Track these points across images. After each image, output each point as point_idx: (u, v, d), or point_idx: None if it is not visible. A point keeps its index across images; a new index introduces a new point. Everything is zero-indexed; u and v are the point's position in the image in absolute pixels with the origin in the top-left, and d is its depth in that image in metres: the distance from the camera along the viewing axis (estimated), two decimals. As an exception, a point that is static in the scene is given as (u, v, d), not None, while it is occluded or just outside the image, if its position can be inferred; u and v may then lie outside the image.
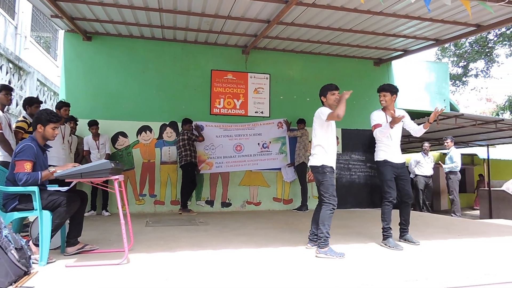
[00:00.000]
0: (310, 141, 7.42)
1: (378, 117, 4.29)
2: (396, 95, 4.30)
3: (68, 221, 3.48)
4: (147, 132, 7.22)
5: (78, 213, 3.45)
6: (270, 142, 7.82)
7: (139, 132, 7.19)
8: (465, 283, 2.83)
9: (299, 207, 7.41)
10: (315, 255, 3.54)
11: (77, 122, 6.41)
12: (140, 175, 7.13)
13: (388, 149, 4.22)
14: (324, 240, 3.53)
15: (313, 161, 3.81)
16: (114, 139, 7.03)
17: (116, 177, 3.23)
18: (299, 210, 7.34)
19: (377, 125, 4.21)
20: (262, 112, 7.84)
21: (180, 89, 7.41)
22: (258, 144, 7.76)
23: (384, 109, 4.35)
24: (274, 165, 7.81)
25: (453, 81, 13.78)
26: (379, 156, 4.28)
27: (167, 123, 7.31)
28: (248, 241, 4.25)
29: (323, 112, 3.79)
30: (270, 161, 7.82)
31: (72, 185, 3.38)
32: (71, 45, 7.07)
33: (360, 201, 8.18)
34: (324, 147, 3.75)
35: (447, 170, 8.48)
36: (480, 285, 2.89)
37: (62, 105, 5.77)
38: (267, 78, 7.90)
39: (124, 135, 7.12)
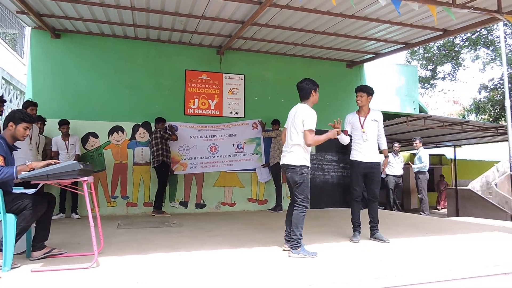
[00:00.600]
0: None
1: (349, 122, 4.53)
2: (372, 96, 4.49)
3: (34, 225, 3.36)
4: (119, 132, 7.07)
5: (45, 216, 3.33)
6: (245, 142, 7.82)
7: (111, 132, 7.03)
8: (431, 278, 2.93)
9: (274, 207, 7.45)
10: (288, 255, 3.57)
11: (45, 122, 6.20)
12: (111, 176, 6.96)
13: (360, 149, 4.38)
14: (297, 241, 3.56)
15: (291, 160, 3.70)
16: (84, 140, 6.84)
17: (85, 178, 3.15)
18: (273, 211, 7.38)
19: (345, 132, 4.41)
20: (237, 113, 7.83)
21: (154, 89, 7.30)
22: (233, 144, 7.74)
23: (359, 110, 4.48)
24: (249, 165, 7.82)
25: (422, 83, 14.24)
26: (352, 155, 4.49)
27: (140, 123, 7.18)
28: (222, 242, 4.23)
29: (309, 122, 3.68)
30: (245, 161, 7.82)
31: (39, 187, 3.26)
32: (38, 43, 6.82)
33: (333, 200, 8.30)
34: (303, 147, 3.73)
35: (416, 170, 8.75)
36: (445, 281, 3.00)
37: (29, 104, 5.56)
38: (241, 79, 7.90)
39: (94, 135, 6.94)
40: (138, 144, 7.15)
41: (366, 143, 4.35)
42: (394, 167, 9.09)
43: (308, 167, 3.71)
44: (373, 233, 4.40)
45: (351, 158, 4.48)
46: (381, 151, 4.64)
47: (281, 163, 3.88)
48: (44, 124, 6.17)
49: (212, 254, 3.61)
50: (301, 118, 3.73)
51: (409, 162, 9.16)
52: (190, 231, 4.98)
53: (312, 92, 3.94)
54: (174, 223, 5.76)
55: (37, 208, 3.14)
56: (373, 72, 9.10)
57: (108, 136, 7.02)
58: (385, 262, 3.33)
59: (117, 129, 7.06)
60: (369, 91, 4.46)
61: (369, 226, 4.45)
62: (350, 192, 4.53)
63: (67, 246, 3.81)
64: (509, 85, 12.63)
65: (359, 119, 4.45)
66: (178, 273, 2.94)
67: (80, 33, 6.94)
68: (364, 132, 4.35)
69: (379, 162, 4.53)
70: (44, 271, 2.96)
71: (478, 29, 12.42)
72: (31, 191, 3.33)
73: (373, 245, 4.10)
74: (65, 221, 5.99)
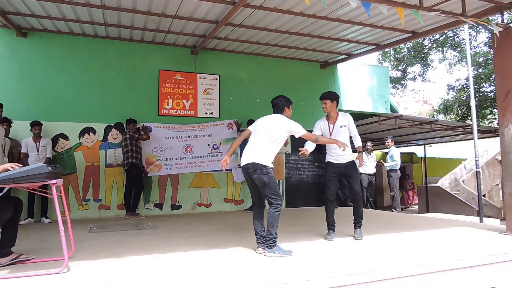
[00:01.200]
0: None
1: (318, 128, 4.64)
2: (337, 101, 4.57)
3: (0, 230, 3.22)
4: (91, 134, 6.89)
5: (12, 221, 3.20)
6: (220, 143, 7.79)
7: (82, 134, 6.84)
8: (402, 273, 3.02)
9: (250, 207, 7.45)
10: (264, 254, 3.58)
11: (11, 124, 5.96)
12: (83, 179, 6.78)
13: (333, 154, 4.52)
14: (273, 240, 3.58)
15: (261, 160, 3.69)
16: (54, 142, 6.60)
17: (54, 181, 3.04)
18: (250, 210, 7.38)
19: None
20: (212, 113, 7.79)
21: (126, 89, 7.16)
22: (209, 145, 7.70)
23: (328, 116, 4.61)
24: (225, 166, 7.78)
25: (393, 84, 14.64)
26: (327, 158, 4.65)
27: (112, 124, 7.02)
28: (197, 243, 4.20)
29: (297, 128, 3.82)
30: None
31: (4, 191, 3.13)
32: (3, 42, 6.55)
33: (308, 199, 8.40)
34: (273, 151, 3.79)
35: (388, 168, 8.97)
36: (416, 275, 3.10)
37: (-7, 105, 5.33)
38: (216, 79, 7.87)
39: (64, 137, 6.73)
40: (111, 146, 6.99)
41: (337, 149, 4.36)
42: (367, 165, 9.28)
43: (272, 168, 3.76)
44: (354, 230, 4.52)
45: (326, 160, 4.63)
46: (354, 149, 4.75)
47: (246, 163, 3.78)
48: (10, 126, 5.94)
49: (187, 255, 3.58)
50: (286, 128, 3.84)
51: (381, 160, 9.39)
52: (165, 233, 4.91)
53: (285, 108, 4.05)
54: (148, 225, 5.67)
55: (3, 213, 3.02)
56: (346, 73, 9.26)
57: (79, 137, 6.83)
58: (359, 258, 3.40)
59: (88, 130, 6.88)
60: (332, 97, 4.54)
61: (353, 223, 4.58)
62: (324, 191, 4.64)
63: (36, 252, 3.68)
64: (475, 86, 13.19)
65: (329, 126, 4.55)
66: (152, 275, 2.90)
67: (48, 32, 6.71)
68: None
69: (353, 161, 4.62)
70: (11, 277, 2.85)
71: (445, 31, 12.89)
72: (-4, 195, 3.20)
73: (347, 242, 4.18)
74: (34, 226, 5.78)
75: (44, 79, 6.67)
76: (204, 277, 2.84)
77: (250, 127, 4.10)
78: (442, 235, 4.69)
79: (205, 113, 7.72)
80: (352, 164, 4.55)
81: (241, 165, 3.91)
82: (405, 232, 4.83)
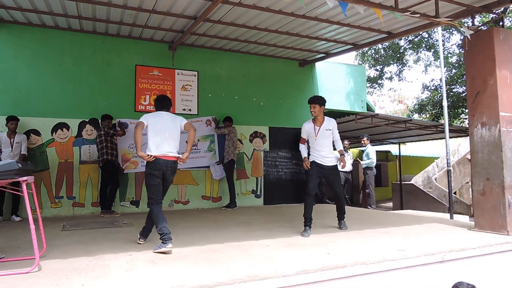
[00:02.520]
0: (240, 140, 7.55)
1: (305, 131, 4.85)
2: (324, 106, 4.82)
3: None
4: (64, 129, 6.70)
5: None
6: (198, 140, 7.73)
7: (55, 129, 6.64)
8: (376, 269, 3.10)
9: (228, 204, 7.45)
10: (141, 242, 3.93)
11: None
12: (56, 176, 6.59)
13: (317, 155, 4.77)
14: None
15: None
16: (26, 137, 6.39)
17: (24, 178, 2.95)
18: (228, 208, 7.38)
19: (302, 140, 4.87)
20: (190, 110, 7.72)
21: (101, 84, 6.99)
22: (186, 142, 7.59)
23: (314, 119, 4.81)
24: (203, 163, 7.75)
25: (370, 83, 14.93)
26: (310, 158, 4.85)
27: (87, 120, 6.86)
28: (174, 240, 4.13)
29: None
30: (199, 159, 7.74)
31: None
32: (-29, 32, 6.29)
33: (286, 196, 8.47)
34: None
35: (364, 166, 9.14)
36: (389, 270, 3.19)
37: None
38: (195, 75, 7.80)
39: (36, 133, 6.52)
40: (85, 142, 6.82)
41: (317, 150, 4.74)
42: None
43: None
44: (340, 222, 4.95)
45: (311, 159, 4.79)
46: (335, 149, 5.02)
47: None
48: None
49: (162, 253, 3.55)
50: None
51: (358, 158, 9.55)
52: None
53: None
54: (124, 222, 5.58)
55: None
56: (324, 72, 9.36)
57: (52, 133, 6.63)
58: (334, 254, 3.45)
59: (61, 126, 6.69)
60: (320, 102, 4.76)
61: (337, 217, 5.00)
62: (306, 187, 4.80)
63: (5, 251, 3.57)
64: (448, 87, 13.61)
65: (314, 128, 4.77)
66: (127, 274, 2.86)
67: (18, 24, 6.46)
68: (316, 142, 4.75)
69: (336, 165, 4.87)
70: (-23, 278, 2.75)
71: (420, 33, 13.23)
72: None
73: (323, 239, 4.24)
74: (3, 225, 5.58)
75: (14, 73, 6.43)
76: (179, 275, 2.82)
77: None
78: (414, 231, 4.82)
79: (183, 110, 7.64)
80: (335, 168, 4.83)
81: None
82: (379, 229, 4.94)
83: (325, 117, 4.83)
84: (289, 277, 2.73)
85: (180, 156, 4.06)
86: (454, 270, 3.53)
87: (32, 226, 2.95)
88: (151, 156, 3.88)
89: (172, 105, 4.48)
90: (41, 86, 6.57)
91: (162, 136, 3.97)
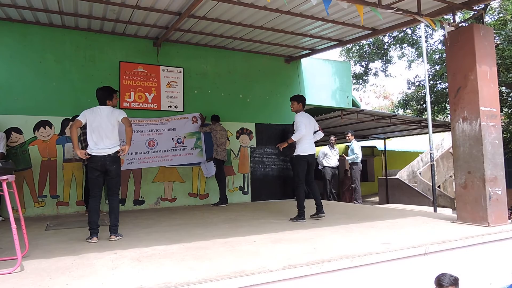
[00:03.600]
0: (223, 136, 7.52)
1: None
2: (303, 103, 5.44)
3: None
4: (46, 127, 6.58)
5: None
6: (185, 137, 7.69)
7: (37, 127, 6.51)
8: (361, 262, 3.14)
9: (218, 201, 7.39)
10: (112, 239, 4.06)
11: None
12: (38, 174, 6.47)
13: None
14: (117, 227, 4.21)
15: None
16: (6, 136, 6.24)
17: (5, 177, 2.89)
18: (217, 205, 7.34)
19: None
20: (175, 107, 7.66)
21: (84, 81, 6.87)
22: (173, 139, 7.58)
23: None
24: (190, 160, 7.71)
25: (356, 79, 15.06)
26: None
27: (70, 117, 6.73)
28: (160, 238, 4.15)
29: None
30: (185, 156, 7.69)
31: None
32: None
33: (273, 193, 8.49)
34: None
35: (350, 161, 9.22)
36: (375, 263, 3.24)
37: None
38: (180, 72, 7.74)
39: (18, 131, 6.38)
40: (68, 140, 6.70)
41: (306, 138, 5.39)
42: (331, 158, 9.51)
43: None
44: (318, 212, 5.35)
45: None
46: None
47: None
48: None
49: (149, 250, 3.52)
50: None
51: (343, 154, 9.64)
52: (127, 229, 4.80)
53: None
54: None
55: None
56: (310, 68, 9.39)
57: (34, 131, 6.50)
58: (320, 249, 3.48)
59: (44, 123, 6.56)
60: (298, 99, 5.46)
61: (315, 206, 5.37)
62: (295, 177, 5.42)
63: (-15, 252, 3.50)
64: (432, 83, 13.82)
65: None
66: (112, 272, 2.83)
67: (-3, 19, 6.31)
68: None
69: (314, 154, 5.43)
70: (-43, 280, 2.69)
71: (404, 29, 13.38)
72: None
73: (309, 234, 4.27)
74: (-16, 225, 5.46)
75: (-7, 70, 6.28)
76: (166, 271, 2.81)
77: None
78: (399, 224, 4.90)
79: (168, 107, 7.58)
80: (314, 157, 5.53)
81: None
82: (364, 223, 5.01)
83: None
84: (275, 272, 2.75)
85: (119, 148, 4.26)
86: (437, 262, 3.61)
87: (13, 225, 2.90)
88: (87, 154, 4.13)
89: (113, 94, 4.56)
90: (22, 83, 6.43)
91: (98, 134, 4.17)
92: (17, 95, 6.39)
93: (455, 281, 3.07)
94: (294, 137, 5.26)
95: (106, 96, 4.38)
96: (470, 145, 4.77)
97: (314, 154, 5.43)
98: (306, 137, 5.29)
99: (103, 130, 4.18)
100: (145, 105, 7.36)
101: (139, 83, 7.34)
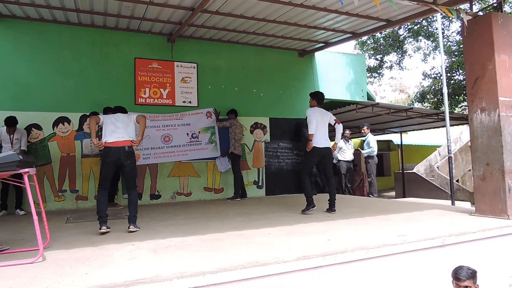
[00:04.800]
0: (241, 132, 7.57)
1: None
2: (317, 99, 5.48)
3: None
4: (65, 123, 6.73)
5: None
6: (199, 132, 7.75)
7: (56, 124, 6.67)
8: (376, 254, 3.13)
9: (236, 195, 7.42)
10: (131, 229, 4.17)
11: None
12: (58, 170, 6.64)
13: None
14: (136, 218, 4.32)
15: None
16: (26, 132, 6.41)
17: (26, 170, 2.98)
18: (232, 199, 7.38)
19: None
20: (190, 102, 7.73)
21: (101, 78, 7.00)
22: (187, 134, 7.65)
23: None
24: (204, 155, 7.78)
25: (370, 73, 14.87)
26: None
27: (88, 113, 6.88)
28: (176, 230, 4.21)
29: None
30: (200, 151, 7.77)
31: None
32: (-31, 28, 6.29)
33: (288, 186, 8.50)
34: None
35: (365, 155, 9.14)
36: (390, 255, 3.22)
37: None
38: (194, 67, 7.79)
39: (38, 127, 6.56)
40: (86, 136, 6.85)
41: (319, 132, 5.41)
42: (346, 152, 9.43)
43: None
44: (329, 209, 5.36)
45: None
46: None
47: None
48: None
49: (165, 242, 3.59)
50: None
51: (359, 148, 9.55)
52: (144, 222, 4.88)
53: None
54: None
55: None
56: (323, 62, 9.32)
57: (53, 127, 6.67)
58: (334, 241, 3.48)
59: (62, 120, 6.72)
60: (313, 96, 5.56)
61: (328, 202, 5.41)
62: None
63: (10, 243, 3.62)
64: (449, 75, 13.53)
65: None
66: (130, 262, 2.90)
67: (16, 18, 6.46)
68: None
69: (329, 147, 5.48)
70: (-17, 269, 2.79)
71: (420, 20, 13.12)
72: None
73: (324, 227, 4.26)
74: (8, 218, 5.65)
75: (13, 68, 6.44)
76: (182, 262, 2.86)
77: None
78: (415, 217, 4.84)
79: (183, 102, 7.65)
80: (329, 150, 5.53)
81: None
82: (380, 216, 4.96)
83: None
84: (289, 263, 2.76)
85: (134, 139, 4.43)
86: (455, 254, 3.55)
87: (35, 217, 2.99)
88: (103, 145, 4.30)
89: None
90: (41, 80, 6.59)
91: (114, 126, 4.36)
92: (36, 92, 6.55)
93: (472, 274, 3.02)
94: (310, 131, 5.24)
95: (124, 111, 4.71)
96: (489, 136, 4.67)
97: (329, 148, 5.40)
98: (319, 130, 5.28)
99: (119, 122, 4.40)
100: (160, 101, 7.45)
101: (154, 79, 7.43)
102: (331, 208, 5.33)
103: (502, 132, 4.54)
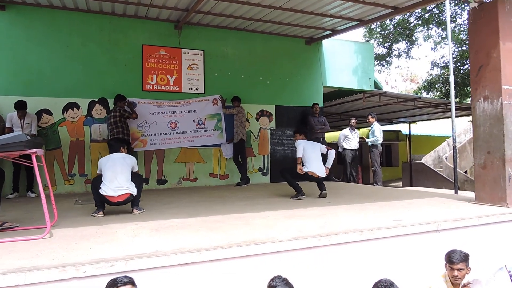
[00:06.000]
0: (247, 119, 7.66)
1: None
2: (303, 133, 5.93)
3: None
4: (74, 109, 6.89)
5: (-5, 190, 3.29)
6: (205, 118, 7.86)
7: (65, 109, 6.84)
8: (371, 236, 3.21)
9: (243, 181, 7.55)
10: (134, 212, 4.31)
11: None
12: (68, 154, 6.82)
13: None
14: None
15: None
16: (37, 117, 6.57)
17: (34, 150, 3.12)
18: (243, 184, 7.50)
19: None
20: (196, 89, 7.82)
21: (109, 64, 7.12)
22: (194, 121, 7.76)
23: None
24: (210, 141, 7.89)
25: (378, 61, 14.73)
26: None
27: (96, 99, 7.03)
28: (179, 212, 4.35)
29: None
30: (206, 137, 7.88)
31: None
32: (-19, 14, 6.44)
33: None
34: None
35: (369, 143, 9.14)
36: (385, 238, 3.30)
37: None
38: (201, 55, 7.86)
39: (48, 112, 6.73)
40: (95, 121, 7.01)
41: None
42: (351, 141, 9.43)
43: None
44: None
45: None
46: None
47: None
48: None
49: (167, 223, 3.72)
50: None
51: (363, 137, 9.55)
52: (149, 205, 5.03)
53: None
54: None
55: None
56: (331, 49, 9.29)
57: (63, 113, 6.83)
58: (331, 224, 3.56)
59: (72, 105, 6.88)
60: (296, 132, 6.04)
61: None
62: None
63: (20, 221, 3.79)
64: (458, 64, 13.32)
65: None
66: (132, 239, 3.03)
67: (27, 5, 6.60)
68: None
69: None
70: (-6, 243, 2.96)
71: (431, 7, 12.90)
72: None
73: (323, 211, 4.35)
74: (19, 200, 5.87)
75: (24, 54, 6.59)
76: (181, 240, 2.98)
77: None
78: (415, 204, 4.89)
79: (189, 89, 7.75)
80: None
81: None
82: (380, 202, 5.03)
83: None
84: (284, 242, 2.87)
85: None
86: (450, 239, 3.61)
87: (42, 195, 3.14)
88: None
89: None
90: (51, 66, 6.74)
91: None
92: (46, 78, 6.71)
93: (465, 257, 3.09)
94: (297, 154, 5.66)
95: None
96: (491, 124, 4.67)
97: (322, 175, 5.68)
98: (312, 157, 5.61)
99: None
100: (167, 87, 7.56)
101: (161, 66, 7.52)
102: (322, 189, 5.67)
103: (504, 120, 4.54)
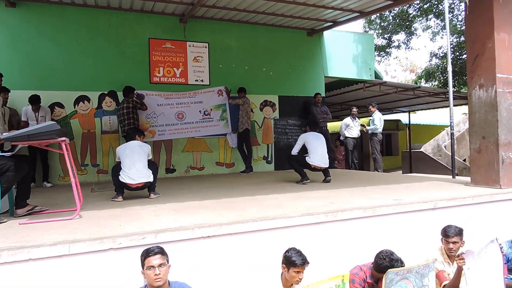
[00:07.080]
0: (252, 109, 7.91)
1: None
2: (311, 126, 6.34)
3: (14, 185, 3.58)
4: (85, 102, 7.15)
5: (27, 176, 3.56)
6: (211, 109, 8.11)
7: (77, 102, 7.09)
8: (372, 213, 3.50)
9: (248, 169, 7.85)
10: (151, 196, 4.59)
11: (9, 94, 6.18)
12: (80, 145, 7.10)
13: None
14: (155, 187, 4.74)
15: None
16: (50, 110, 6.84)
17: (63, 139, 3.38)
18: (248, 172, 7.79)
19: None
20: (202, 81, 8.07)
21: (117, 58, 7.36)
22: (200, 111, 8.02)
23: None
24: (216, 131, 8.16)
25: (378, 51, 14.94)
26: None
27: (106, 92, 7.27)
28: (193, 196, 4.64)
29: None
30: (212, 127, 8.15)
31: (18, 148, 3.47)
32: (-7, 11, 6.65)
33: (296, 162, 8.85)
34: None
35: (370, 131, 9.42)
36: (385, 215, 3.59)
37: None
38: (205, 47, 8.09)
39: (60, 105, 6.98)
40: (105, 113, 7.27)
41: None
42: (353, 129, 9.70)
43: None
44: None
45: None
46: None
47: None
48: (8, 95, 6.15)
49: (185, 204, 4.01)
50: None
51: (364, 124, 9.82)
52: (162, 191, 5.27)
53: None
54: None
55: (20, 171, 3.36)
56: (332, 40, 9.51)
57: (74, 105, 7.09)
58: (336, 204, 3.85)
59: (83, 98, 7.13)
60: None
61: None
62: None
63: (46, 206, 4.06)
64: (457, 54, 13.55)
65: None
66: (156, 218, 3.32)
67: (36, 2, 6.80)
68: None
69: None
70: (31, 223, 3.24)
71: (430, -1, 13.08)
72: (8, 154, 3.53)
73: (328, 193, 4.64)
74: (37, 189, 6.13)
75: (36, 49, 6.83)
76: (201, 217, 3.26)
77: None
78: (414, 187, 5.18)
79: (195, 81, 7.99)
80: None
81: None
82: (381, 185, 5.32)
83: None
84: (295, 218, 3.16)
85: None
86: (446, 217, 3.90)
87: (72, 179, 3.41)
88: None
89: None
90: (62, 61, 6.97)
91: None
92: (58, 72, 6.95)
93: (460, 231, 3.38)
94: (293, 151, 6.05)
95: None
96: (486, 111, 4.94)
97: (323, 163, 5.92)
98: (317, 150, 5.86)
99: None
100: (173, 80, 7.80)
101: (168, 59, 7.76)
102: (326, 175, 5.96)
103: (498, 107, 4.80)
